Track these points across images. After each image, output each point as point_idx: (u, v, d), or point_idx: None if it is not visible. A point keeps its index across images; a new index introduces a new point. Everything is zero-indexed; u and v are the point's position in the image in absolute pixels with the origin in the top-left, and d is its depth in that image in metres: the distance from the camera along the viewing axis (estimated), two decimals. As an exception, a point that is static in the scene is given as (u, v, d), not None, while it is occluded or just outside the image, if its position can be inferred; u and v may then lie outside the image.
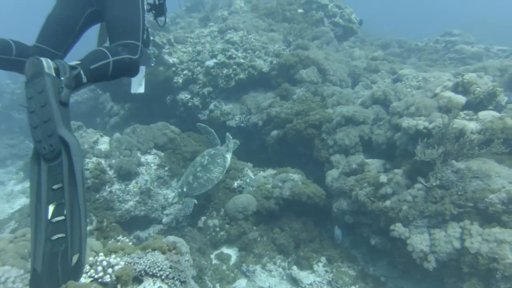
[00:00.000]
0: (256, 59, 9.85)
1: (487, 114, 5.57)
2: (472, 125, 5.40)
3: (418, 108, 5.90)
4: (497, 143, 4.98)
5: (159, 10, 4.15)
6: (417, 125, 5.64)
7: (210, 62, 9.74)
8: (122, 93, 11.17)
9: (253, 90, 9.87)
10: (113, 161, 7.55)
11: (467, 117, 5.68)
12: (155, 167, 7.97)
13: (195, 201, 6.64)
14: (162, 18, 4.29)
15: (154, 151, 8.23)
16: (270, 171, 8.08)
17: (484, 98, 5.70)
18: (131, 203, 7.34)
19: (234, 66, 9.63)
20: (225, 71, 9.63)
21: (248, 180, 7.85)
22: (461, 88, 5.89)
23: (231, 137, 7.47)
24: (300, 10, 12.06)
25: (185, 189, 6.60)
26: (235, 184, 7.85)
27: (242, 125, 9.50)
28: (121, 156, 7.72)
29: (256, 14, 12.09)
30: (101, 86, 10.83)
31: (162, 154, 8.26)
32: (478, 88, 5.74)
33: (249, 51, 10.17)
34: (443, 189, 5.15)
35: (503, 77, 8.36)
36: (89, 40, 3.92)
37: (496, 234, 4.41)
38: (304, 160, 8.23)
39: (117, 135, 8.41)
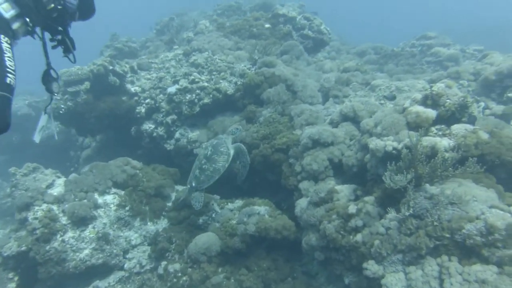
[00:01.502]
0: (221, 81, 9.28)
1: (460, 128, 5.00)
2: (445, 142, 4.81)
3: (385, 127, 5.31)
4: (471, 162, 4.39)
5: (63, 44, 3.56)
6: (386, 147, 5.04)
7: (172, 89, 9.16)
8: (89, 124, 10.54)
9: (220, 114, 9.28)
10: (66, 206, 6.92)
11: (440, 133, 5.11)
12: (115, 208, 7.33)
13: (203, 194, 6.54)
14: (71, 55, 3.72)
15: (113, 190, 7.60)
16: (239, 203, 7.44)
17: (455, 110, 5.12)
18: (86, 251, 6.68)
19: (198, 91, 9.06)
20: (188, 96, 9.05)
21: (214, 215, 7.22)
22: (430, 101, 5.31)
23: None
24: (267, 25, 11.58)
25: (193, 184, 6.43)
26: (200, 220, 7.23)
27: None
28: (76, 200, 7.11)
29: (222, 32, 11.60)
30: (67, 120, 10.19)
31: (122, 192, 7.63)
32: (448, 100, 5.16)
33: (215, 72, 9.62)
34: (418, 218, 4.52)
35: (478, 82, 7.87)
36: None
37: (477, 272, 3.77)
38: (275, 187, 7.61)
39: (73, 176, 7.79)
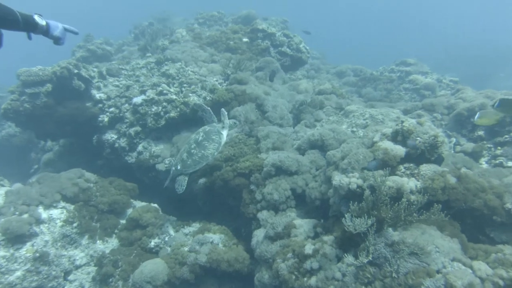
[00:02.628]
0: (191, 94, 8.86)
1: (428, 169, 4.72)
2: (412, 184, 4.51)
3: (351, 162, 4.98)
4: (436, 209, 4.11)
5: None
6: (350, 184, 4.70)
7: (138, 99, 8.68)
8: (48, 129, 9.89)
9: (186, 129, 8.85)
10: (2, 220, 6.29)
11: (408, 172, 4.81)
12: (61, 223, 6.74)
13: (187, 178, 6.20)
14: None
15: (61, 204, 7.01)
16: (195, 226, 7.01)
17: (425, 149, 4.85)
18: (18, 273, 6.04)
19: (164, 103, 8.60)
20: (154, 108, 8.59)
21: (167, 239, 6.74)
22: (401, 137, 5.03)
23: (226, 113, 6.45)
24: (245, 39, 11.25)
25: (179, 167, 6.14)
26: (152, 243, 6.73)
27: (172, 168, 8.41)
28: (16, 213, 6.50)
29: (198, 43, 11.19)
30: (23, 123, 9.54)
31: (72, 207, 7.05)
32: (418, 138, 4.89)
33: (185, 85, 9.20)
34: (376, 266, 4.17)
35: (451, 116, 7.71)
36: None
37: (433, 337, 3.43)
38: (235, 212, 7.18)
39: (16, 186, 7.20)
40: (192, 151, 6.12)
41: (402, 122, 5.11)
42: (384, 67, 15.49)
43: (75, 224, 6.84)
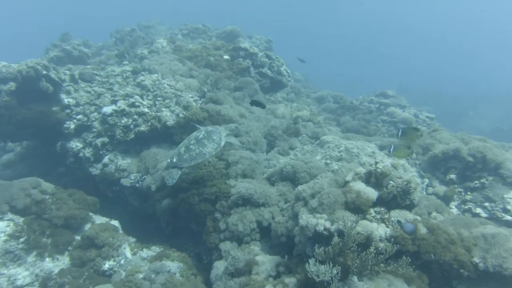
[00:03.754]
0: (164, 109, 8.54)
1: (399, 216, 4.57)
2: (381, 231, 4.33)
3: (321, 202, 4.76)
4: (405, 263, 3.92)
5: None
6: (317, 226, 4.47)
7: (108, 109, 8.28)
8: (8, 130, 9.30)
9: (156, 144, 8.49)
10: None
11: (378, 216, 4.64)
12: (5, 238, 6.24)
13: (180, 173, 5.96)
14: None
15: (8, 216, 6.52)
16: (155, 250, 6.62)
17: (397, 194, 4.70)
18: None
19: (135, 116, 8.24)
20: (124, 120, 8.21)
21: (122, 262, 6.32)
22: (374, 179, 4.87)
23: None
24: (226, 57, 11.05)
25: (174, 160, 5.96)
26: (106, 265, 6.29)
27: (137, 185, 8.02)
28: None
29: (178, 56, 10.91)
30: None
31: (21, 220, 6.55)
32: (391, 182, 4.74)
33: (159, 98, 8.87)
34: (337, 317, 3.93)
35: (425, 157, 7.67)
36: None
37: None
38: (198, 237, 6.83)
39: (-38, 193, 6.64)
40: (191, 146, 6.04)
41: (377, 163, 4.96)
42: (364, 96, 15.58)
43: (22, 239, 6.34)
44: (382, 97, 14.95)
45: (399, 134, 4.94)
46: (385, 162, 5.03)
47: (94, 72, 10.11)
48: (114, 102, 8.50)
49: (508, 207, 6.41)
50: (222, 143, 6.25)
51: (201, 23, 17.24)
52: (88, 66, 10.57)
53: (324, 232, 4.41)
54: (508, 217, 6.31)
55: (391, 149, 5.03)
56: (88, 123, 8.48)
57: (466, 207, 6.73)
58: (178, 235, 7.58)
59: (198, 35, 16.34)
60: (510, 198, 6.54)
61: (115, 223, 7.51)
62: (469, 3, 71.16)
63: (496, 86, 34.49)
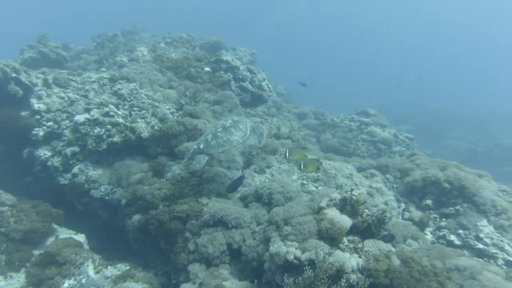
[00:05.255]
0: (139, 120, 8.28)
1: (373, 246, 4.43)
2: (353, 262, 4.18)
3: (293, 229, 4.58)
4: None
5: None
6: (287, 254, 4.29)
7: (80, 117, 7.97)
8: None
9: (129, 156, 8.23)
10: None
11: (352, 245, 4.49)
12: None
13: (207, 158, 6.08)
14: None
15: (-43, 229, 6.12)
16: (121, 268, 6.28)
17: (372, 223, 4.56)
18: None
19: (109, 126, 7.96)
20: (96, 130, 7.91)
21: (84, 281, 5.95)
22: (349, 207, 4.73)
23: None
24: (207, 69, 10.87)
25: (201, 146, 6.06)
26: (66, 284, 5.90)
27: (107, 198, 7.71)
28: None
29: (158, 65, 10.67)
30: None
31: (-28, 234, 6.16)
32: (366, 210, 4.61)
33: (136, 108, 8.61)
34: None
35: (403, 181, 7.62)
36: None
37: None
38: (167, 256, 6.57)
39: None
40: (218, 134, 6.13)
41: (352, 190, 4.83)
42: (345, 114, 15.62)
43: (-33, 257, 5.95)
44: (363, 115, 15.02)
45: (286, 154, 5.47)
46: (361, 189, 4.91)
47: (70, 77, 9.79)
48: (87, 110, 8.20)
49: (481, 235, 6.37)
50: (248, 133, 6.33)
51: (185, 33, 17.06)
52: (64, 71, 10.20)
53: (295, 261, 4.23)
54: (480, 246, 6.26)
55: (301, 166, 5.36)
56: (59, 131, 8.13)
57: (441, 233, 6.66)
58: (147, 252, 7.30)
59: (182, 44, 16.14)
60: (483, 226, 6.51)
61: (81, 237, 7.15)
62: (454, 19, 73.31)
63: (474, 108, 35.34)
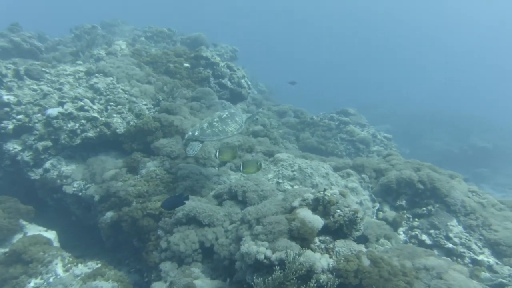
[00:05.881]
0: (115, 115, 8.12)
1: (344, 247, 4.45)
2: (324, 262, 4.18)
3: (265, 228, 4.56)
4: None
5: None
6: (257, 254, 4.26)
7: (54, 111, 7.76)
8: None
9: (104, 152, 8.06)
10: None
11: (323, 246, 4.50)
12: None
13: (201, 146, 6.14)
14: None
15: None
16: (91, 266, 6.15)
17: (344, 224, 4.58)
18: None
19: (83, 121, 7.78)
20: (70, 124, 7.72)
21: (51, 280, 5.80)
22: (322, 207, 4.74)
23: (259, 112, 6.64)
24: (186, 65, 10.74)
25: (196, 133, 6.10)
26: (32, 284, 5.73)
27: (80, 194, 7.54)
28: None
29: (136, 60, 10.49)
30: None
31: None
32: (338, 211, 4.62)
33: (112, 103, 8.44)
34: None
35: (378, 181, 7.71)
36: None
37: None
38: (140, 253, 6.47)
39: None
40: (214, 123, 6.19)
41: (325, 190, 4.84)
42: (325, 113, 15.73)
43: None
44: (342, 114, 15.15)
45: (217, 153, 5.72)
46: (334, 189, 4.93)
47: (44, 69, 9.49)
48: (61, 104, 7.98)
49: (451, 234, 6.51)
50: (244, 126, 6.51)
51: (166, 27, 16.83)
52: (37, 62, 9.90)
53: (265, 260, 4.21)
54: (449, 245, 6.39)
55: (217, 153, 5.65)
56: (30, 125, 7.88)
57: (413, 233, 6.77)
58: (120, 249, 7.18)
59: (163, 39, 15.92)
60: (453, 226, 6.66)
61: (52, 234, 6.98)
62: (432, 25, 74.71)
63: (452, 110, 36.10)
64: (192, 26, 20.88)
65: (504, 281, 5.50)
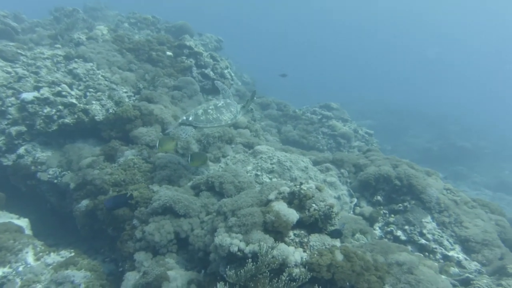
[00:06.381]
0: (94, 102, 7.95)
1: (318, 241, 4.47)
2: (297, 256, 4.19)
3: (239, 220, 4.54)
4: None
5: None
6: (231, 246, 4.25)
7: (29, 95, 7.54)
8: None
9: (81, 139, 7.90)
10: None
11: (297, 239, 4.50)
12: None
13: (194, 131, 6.16)
14: None
15: None
16: (64, 255, 6.06)
17: (319, 218, 4.60)
18: None
19: (60, 107, 7.59)
20: (46, 110, 7.52)
21: (21, 269, 5.67)
22: (297, 201, 4.74)
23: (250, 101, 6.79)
24: (169, 53, 10.58)
25: (190, 118, 6.12)
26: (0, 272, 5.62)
27: (55, 181, 7.39)
28: None
29: (118, 46, 10.27)
30: None
31: None
32: (314, 205, 4.63)
33: (91, 89, 8.25)
34: None
35: (357, 176, 7.78)
36: None
37: None
38: (116, 242, 6.38)
39: None
40: (209, 111, 6.23)
41: (301, 184, 4.85)
42: (308, 107, 15.77)
43: None
44: (325, 109, 15.22)
45: (157, 144, 5.88)
46: (310, 183, 4.94)
47: (19, 51, 9.20)
48: (37, 88, 7.77)
49: (424, 231, 6.64)
50: (238, 117, 6.57)
51: (151, 14, 16.53)
52: (12, 43, 9.59)
53: (238, 253, 4.20)
54: (423, 241, 6.53)
55: (157, 144, 5.79)
56: (2, 108, 7.63)
57: (389, 229, 6.87)
58: (95, 238, 7.08)
59: (147, 26, 15.65)
60: (427, 222, 6.79)
61: (24, 221, 6.83)
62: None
63: (433, 109, 36.73)
64: (179, 15, 20.56)
65: (470, 276, 5.66)
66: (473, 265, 6.04)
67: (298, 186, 4.83)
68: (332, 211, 4.59)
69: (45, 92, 7.66)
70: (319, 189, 4.84)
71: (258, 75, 23.36)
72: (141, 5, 24.54)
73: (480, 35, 75.80)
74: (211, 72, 10.93)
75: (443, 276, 5.20)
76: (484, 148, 26.95)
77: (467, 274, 5.73)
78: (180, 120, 6.23)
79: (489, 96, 51.04)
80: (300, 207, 4.71)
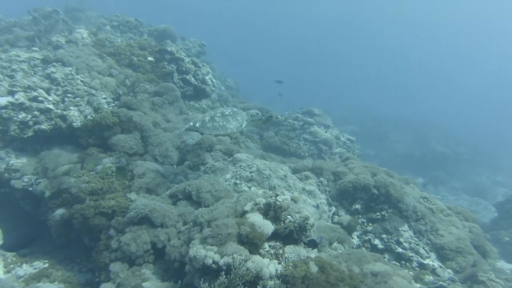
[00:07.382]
0: (72, 108, 7.82)
1: (293, 252, 4.49)
2: (272, 268, 4.20)
3: (214, 232, 4.52)
4: (290, 303, 3.82)
5: None
6: (205, 258, 4.23)
7: (3, 100, 7.36)
8: None
9: (59, 146, 7.75)
10: None
11: (272, 251, 4.52)
12: None
13: (200, 136, 6.36)
14: None
15: None
16: (38, 266, 5.95)
17: (294, 229, 4.63)
18: None
19: (36, 112, 7.44)
20: (21, 115, 7.36)
21: (-9, 280, 5.57)
22: (273, 212, 4.77)
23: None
24: (150, 58, 10.51)
25: (197, 125, 6.31)
26: (-30, 284, 5.49)
27: (30, 189, 7.23)
28: None
29: (98, 50, 10.14)
30: None
31: None
32: (289, 217, 4.66)
33: (69, 95, 8.12)
34: None
35: (336, 185, 7.85)
36: None
37: None
38: (92, 252, 6.28)
39: None
40: (216, 118, 6.38)
41: (277, 195, 4.87)
42: (290, 113, 15.84)
43: None
44: (308, 115, 15.29)
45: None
46: (286, 194, 4.96)
47: (-6, 54, 9.00)
48: (11, 93, 7.60)
49: (401, 239, 6.75)
50: (243, 126, 6.71)
51: (134, 17, 16.37)
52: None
53: (213, 265, 4.19)
54: (400, 249, 6.63)
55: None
56: (-26, 113, 7.46)
57: (366, 237, 6.95)
58: (71, 247, 6.94)
59: (129, 29, 15.50)
60: (404, 231, 6.90)
61: (-4, 230, 6.68)
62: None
63: (415, 115, 37.41)
64: (163, 18, 20.44)
65: (444, 284, 5.77)
66: (447, 273, 6.17)
67: (273, 198, 4.85)
68: (307, 223, 4.62)
69: (20, 97, 7.50)
70: (294, 200, 4.87)
71: (241, 80, 23.37)
72: (124, 6, 24.32)
73: (461, 41, 77.55)
74: (193, 78, 10.90)
75: (417, 285, 5.28)
76: (462, 154, 27.52)
77: (441, 282, 5.84)
78: (187, 126, 6.38)
79: (468, 102, 52.24)
80: (275, 219, 4.73)
